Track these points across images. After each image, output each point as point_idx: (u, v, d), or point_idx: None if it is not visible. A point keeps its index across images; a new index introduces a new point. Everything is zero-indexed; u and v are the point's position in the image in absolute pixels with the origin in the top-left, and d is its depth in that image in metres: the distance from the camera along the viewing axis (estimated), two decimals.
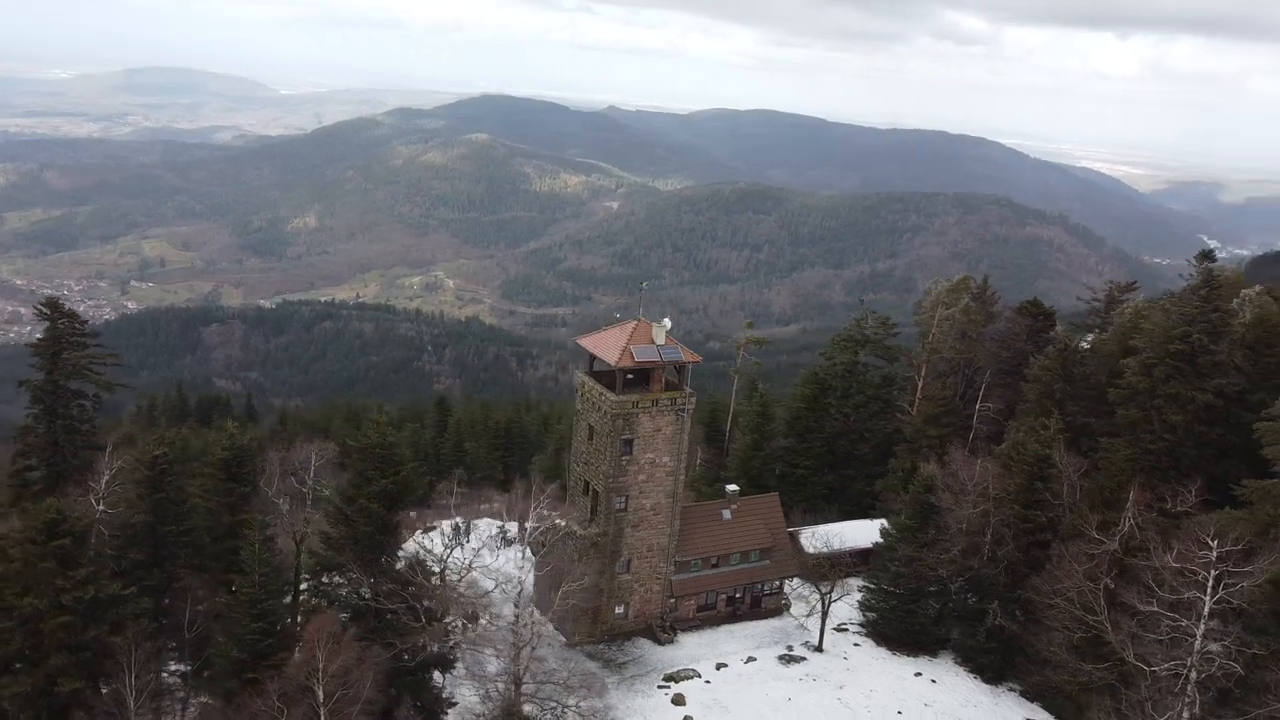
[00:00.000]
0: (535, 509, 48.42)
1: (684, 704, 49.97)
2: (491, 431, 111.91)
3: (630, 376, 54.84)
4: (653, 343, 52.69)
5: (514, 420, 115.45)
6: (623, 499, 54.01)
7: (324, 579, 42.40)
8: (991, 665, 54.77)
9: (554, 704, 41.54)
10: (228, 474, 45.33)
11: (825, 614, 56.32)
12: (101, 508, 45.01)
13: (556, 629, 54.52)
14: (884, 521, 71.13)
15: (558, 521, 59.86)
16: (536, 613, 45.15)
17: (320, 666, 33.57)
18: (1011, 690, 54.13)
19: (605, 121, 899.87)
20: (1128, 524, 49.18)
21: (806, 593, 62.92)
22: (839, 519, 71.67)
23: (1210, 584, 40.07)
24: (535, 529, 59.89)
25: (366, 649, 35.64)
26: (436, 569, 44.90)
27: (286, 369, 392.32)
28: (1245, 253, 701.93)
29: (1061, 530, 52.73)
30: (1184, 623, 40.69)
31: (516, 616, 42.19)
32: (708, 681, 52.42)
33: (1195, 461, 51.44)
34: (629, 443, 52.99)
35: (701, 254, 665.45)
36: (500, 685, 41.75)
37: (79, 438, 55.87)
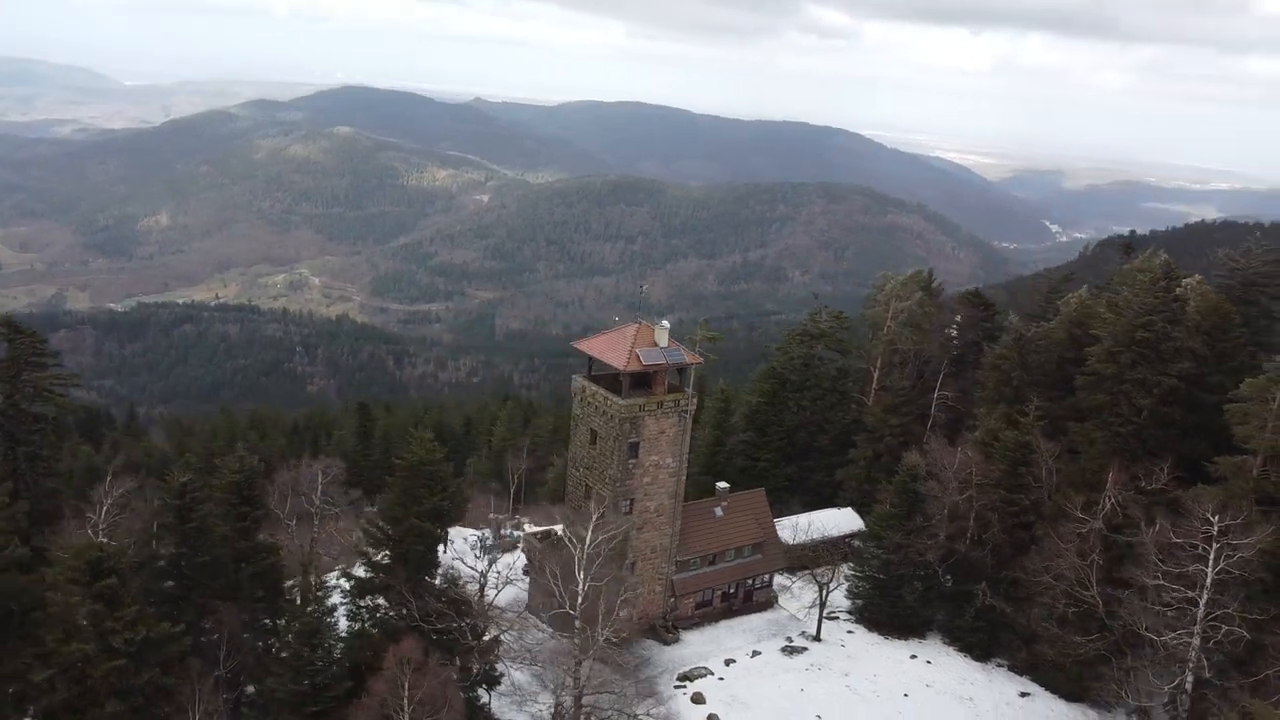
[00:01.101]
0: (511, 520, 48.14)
1: (704, 702, 50.56)
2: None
3: (627, 380, 55.06)
4: (655, 345, 52.90)
5: (444, 424, 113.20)
6: (628, 502, 54.09)
7: (361, 601, 41.02)
8: (980, 643, 57.45)
9: (616, 713, 41.34)
10: (240, 497, 43.24)
11: (823, 603, 57.88)
12: (103, 540, 42.38)
13: (564, 635, 54.18)
14: (849, 509, 74.02)
15: (555, 529, 59.76)
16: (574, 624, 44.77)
17: (405, 695, 32.61)
18: (1000, 665, 56.92)
19: (472, 114, 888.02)
20: (1109, 503, 52.57)
21: (789, 583, 64.63)
22: (801, 509, 73.51)
23: (1212, 556, 43.34)
24: (535, 535, 59.73)
25: (450, 674, 34.75)
26: (471, 584, 44.07)
27: (145, 375, 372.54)
28: (1083, 236, 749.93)
29: (1044, 512, 55.78)
30: (1189, 593, 43.88)
31: (578, 627, 41.76)
32: (721, 678, 53.16)
33: (1162, 441, 55.15)
34: (634, 446, 53.10)
35: (575, 246, 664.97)
36: (556, 700, 41.27)
37: (41, 465, 52.05)
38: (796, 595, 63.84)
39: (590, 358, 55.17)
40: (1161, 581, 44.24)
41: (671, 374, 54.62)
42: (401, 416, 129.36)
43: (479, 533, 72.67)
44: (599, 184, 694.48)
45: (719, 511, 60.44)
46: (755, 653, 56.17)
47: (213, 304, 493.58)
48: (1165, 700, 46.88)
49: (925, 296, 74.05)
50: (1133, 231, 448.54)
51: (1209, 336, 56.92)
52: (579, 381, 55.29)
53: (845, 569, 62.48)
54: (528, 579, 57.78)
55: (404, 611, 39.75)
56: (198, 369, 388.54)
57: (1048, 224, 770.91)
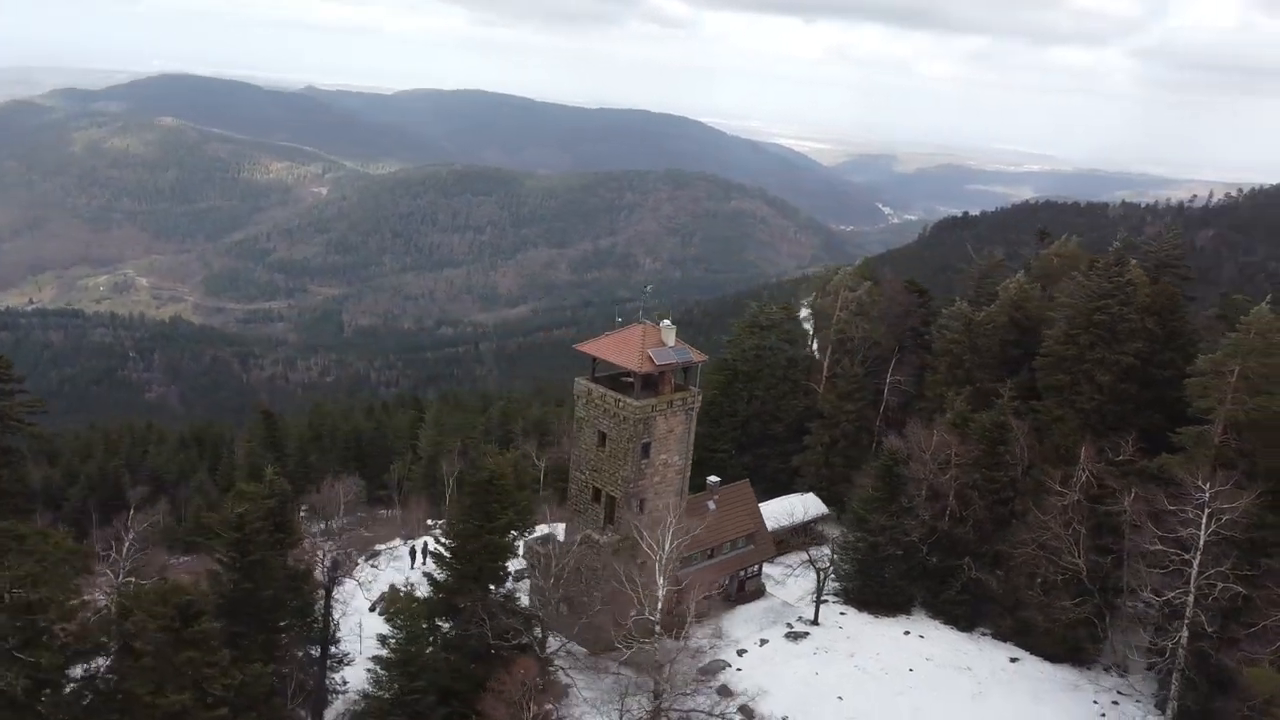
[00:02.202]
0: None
1: (731, 695, 51.46)
2: (342, 443, 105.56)
3: (629, 380, 55.20)
4: (664, 345, 53.22)
5: (364, 429, 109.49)
6: (639, 502, 54.27)
7: (425, 624, 39.74)
8: (965, 615, 60.73)
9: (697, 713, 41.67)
10: (275, 524, 41.08)
11: (821, 589, 59.81)
12: (124, 579, 39.64)
13: (579, 641, 53.96)
14: (811, 495, 76.46)
15: (550, 532, 59.28)
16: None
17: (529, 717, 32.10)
18: (985, 634, 60.35)
19: (305, 103, 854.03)
20: (1084, 475, 56.56)
21: (771, 571, 66.44)
22: (761, 497, 75.46)
23: (1204, 520, 47.43)
24: (533, 541, 58.96)
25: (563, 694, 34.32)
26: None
27: None
28: (913, 217, 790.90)
29: (1020, 488, 59.44)
30: (1185, 555, 47.87)
31: (658, 633, 41.78)
32: (739, 669, 54.25)
33: (1122, 416, 59.66)
34: (646, 446, 53.30)
35: (422, 239, 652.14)
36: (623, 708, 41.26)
37: (9, 501, 47.74)
38: (780, 581, 65.74)
39: (594, 359, 54.97)
40: (1160, 546, 48.01)
41: (681, 373, 55.12)
42: (298, 424, 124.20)
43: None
44: (444, 174, 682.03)
45: (712, 505, 61.40)
46: (763, 641, 57.54)
47: (29, 309, 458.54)
48: (1149, 653, 50.92)
49: (874, 286, 77.09)
50: (965, 213, 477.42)
51: (1159, 317, 61.80)
52: (583, 384, 54.92)
53: (827, 552, 64.68)
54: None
55: (473, 630, 38.86)
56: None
57: (880, 206, 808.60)
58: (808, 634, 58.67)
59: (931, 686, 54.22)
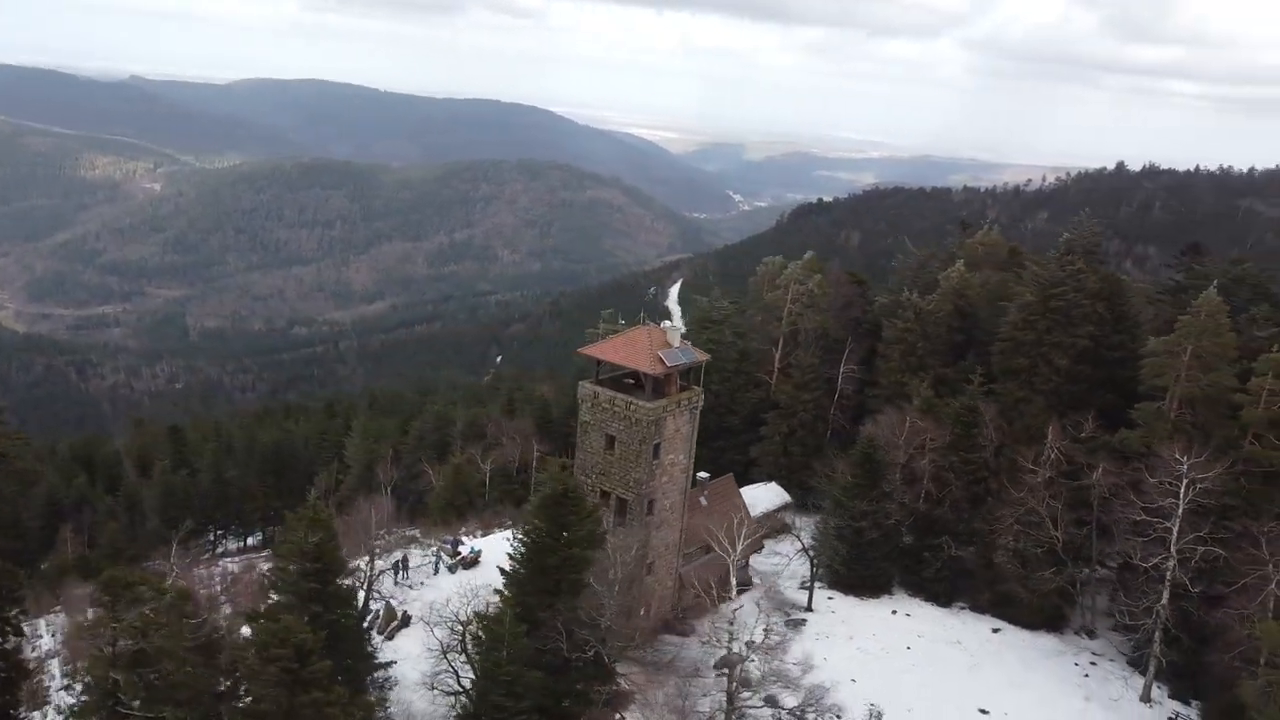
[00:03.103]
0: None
1: (748, 686, 52.52)
2: (260, 456, 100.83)
3: (631, 381, 55.42)
4: (670, 346, 53.57)
5: (283, 440, 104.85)
6: (648, 503, 54.51)
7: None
8: (944, 591, 63.77)
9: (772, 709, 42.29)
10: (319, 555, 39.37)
11: (814, 576, 61.58)
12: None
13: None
14: (774, 484, 78.32)
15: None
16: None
17: None
18: (963, 608, 63.57)
19: (131, 93, 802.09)
20: (1053, 453, 60.30)
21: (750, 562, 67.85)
22: None
23: (1182, 490, 51.48)
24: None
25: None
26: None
27: None
28: (763, 204, 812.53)
29: (993, 467, 62.80)
30: (1165, 523, 51.84)
31: (730, 645, 42.17)
32: (752, 659, 55.29)
33: (1079, 396, 63.84)
34: (657, 447, 53.58)
35: (269, 235, 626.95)
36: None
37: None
38: (755, 569, 67.27)
39: (598, 362, 54.87)
40: (1145, 517, 51.84)
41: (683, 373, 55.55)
42: (197, 437, 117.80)
43: (428, 551, 69.35)
44: (289, 167, 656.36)
45: (704, 501, 62.21)
46: (767, 630, 58.70)
47: None
48: (1131, 615, 54.88)
49: (823, 279, 79.44)
50: (820, 199, 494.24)
51: (1108, 302, 66.29)
52: (589, 388, 54.64)
53: (805, 538, 66.62)
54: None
55: (552, 644, 38.41)
56: None
57: (731, 194, 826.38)
58: (805, 620, 60.37)
59: (930, 662, 56.81)
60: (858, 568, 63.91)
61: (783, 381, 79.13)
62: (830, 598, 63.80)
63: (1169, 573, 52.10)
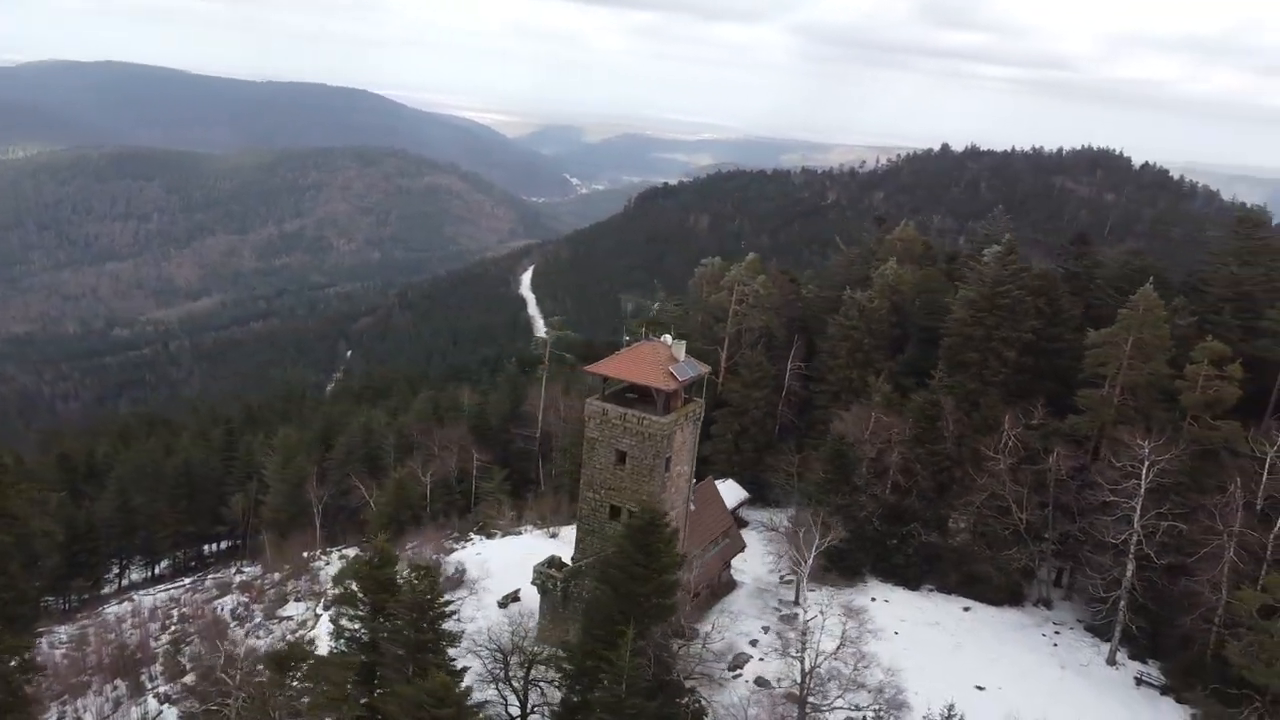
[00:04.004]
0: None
1: (768, 684, 54.45)
2: (171, 480, 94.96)
3: (634, 396, 56.03)
4: (677, 360, 54.47)
5: (193, 461, 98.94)
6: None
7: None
8: (914, 575, 67.54)
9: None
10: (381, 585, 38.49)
11: (805, 572, 63.91)
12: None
13: None
14: (731, 481, 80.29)
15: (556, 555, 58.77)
16: None
17: None
18: (931, 590, 67.51)
19: None
20: (1010, 441, 64.84)
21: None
22: None
23: (1144, 471, 56.58)
24: (541, 565, 58.43)
25: None
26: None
27: None
28: (601, 187, 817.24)
29: (958, 457, 66.85)
30: (1130, 502, 56.85)
31: (804, 655, 43.47)
32: (761, 658, 57.25)
33: (1026, 386, 68.75)
34: (667, 460, 54.44)
35: (77, 230, 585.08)
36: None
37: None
38: (735, 567, 69.25)
39: (605, 379, 55.21)
40: (1113, 497, 56.71)
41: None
42: (78, 458, 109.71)
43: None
44: (96, 157, 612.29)
45: (693, 505, 63.44)
46: (765, 628, 60.88)
47: None
48: (1100, 587, 59.89)
49: (766, 279, 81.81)
50: (665, 183, 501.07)
51: (1046, 298, 71.42)
52: (597, 405, 54.83)
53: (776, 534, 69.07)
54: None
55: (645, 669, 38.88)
56: None
57: (569, 178, 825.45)
58: (796, 614, 62.71)
59: (918, 645, 60.14)
60: (832, 560, 66.72)
61: (730, 380, 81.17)
62: (811, 589, 66.38)
63: (1133, 547, 57.29)
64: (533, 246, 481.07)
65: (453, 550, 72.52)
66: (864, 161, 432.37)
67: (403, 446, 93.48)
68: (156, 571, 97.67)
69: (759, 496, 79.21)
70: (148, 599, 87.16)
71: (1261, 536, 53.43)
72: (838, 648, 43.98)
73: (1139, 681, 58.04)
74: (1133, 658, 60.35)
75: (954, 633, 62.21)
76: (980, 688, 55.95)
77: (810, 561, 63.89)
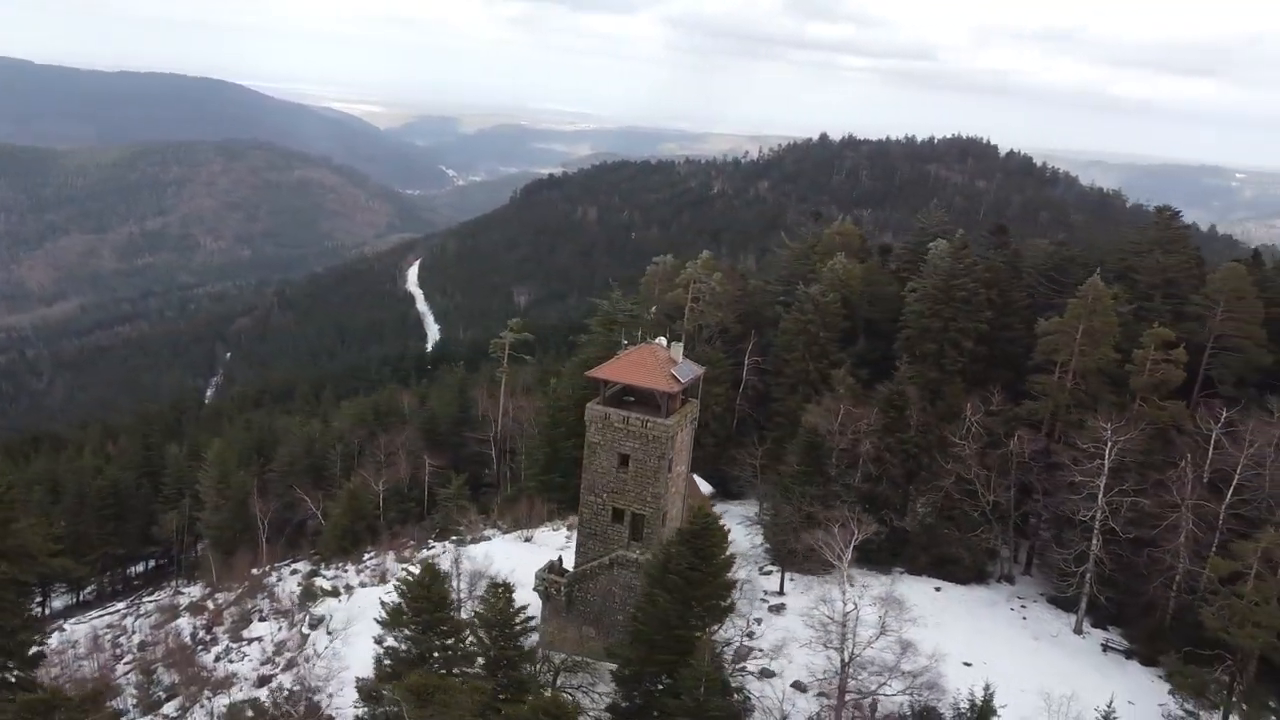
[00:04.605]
0: None
1: (774, 675, 55.91)
2: (98, 499, 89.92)
3: (631, 399, 56.50)
4: (675, 363, 55.15)
5: (120, 480, 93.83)
6: (662, 515, 56.02)
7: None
8: (884, 559, 70.13)
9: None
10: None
11: (845, 566, 65.51)
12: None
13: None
14: (695, 475, 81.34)
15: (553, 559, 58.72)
16: None
17: None
18: (901, 573, 70.10)
19: None
20: (973, 427, 68.09)
21: None
22: None
23: (1108, 451, 60.36)
24: (542, 570, 58.45)
25: None
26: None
27: None
28: (478, 178, 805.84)
29: (924, 444, 69.67)
30: (1095, 480, 60.58)
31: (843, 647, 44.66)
32: (762, 650, 58.61)
33: (982, 374, 72.19)
34: (670, 462, 55.13)
35: None
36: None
37: None
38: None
39: (603, 383, 55.49)
40: (1079, 478, 60.34)
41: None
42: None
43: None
44: None
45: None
46: (758, 620, 62.30)
47: None
48: (1069, 561, 63.51)
49: (722, 276, 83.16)
50: (552, 174, 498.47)
51: (998, 289, 75.01)
52: (599, 409, 55.04)
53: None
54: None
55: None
56: None
57: (445, 169, 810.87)
58: (784, 605, 64.51)
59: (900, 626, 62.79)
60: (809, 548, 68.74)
61: None
62: (792, 579, 68.34)
63: (1098, 522, 61.11)
64: (416, 241, 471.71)
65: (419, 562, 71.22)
66: (747, 152, 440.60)
67: (348, 455, 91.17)
68: (81, 597, 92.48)
69: (722, 490, 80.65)
70: (81, 627, 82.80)
71: (1215, 506, 58.01)
72: (877, 635, 45.36)
73: (1105, 648, 62.10)
74: (1095, 625, 64.40)
75: (931, 612, 64.84)
76: (968, 664, 58.76)
77: (849, 556, 65.78)
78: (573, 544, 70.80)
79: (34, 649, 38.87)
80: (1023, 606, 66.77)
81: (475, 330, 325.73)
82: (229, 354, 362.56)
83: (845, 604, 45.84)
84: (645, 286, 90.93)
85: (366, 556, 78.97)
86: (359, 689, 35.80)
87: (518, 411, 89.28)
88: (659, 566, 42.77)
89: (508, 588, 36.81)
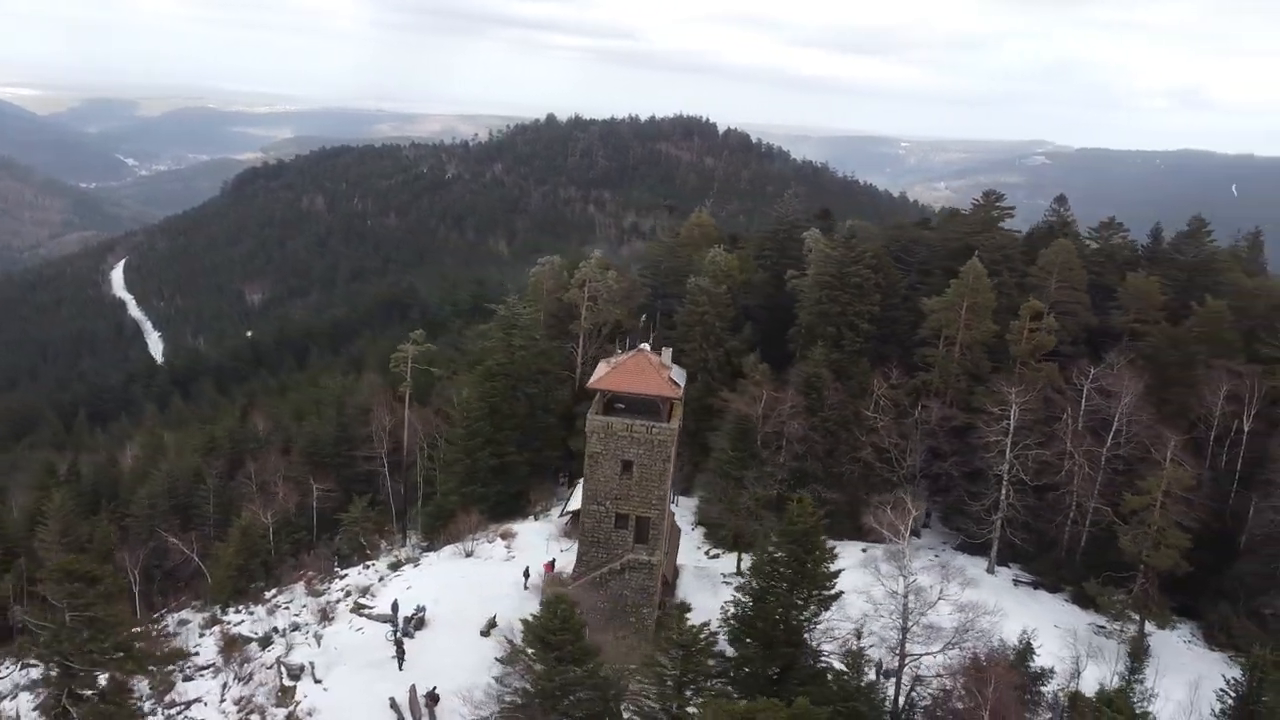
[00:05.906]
0: None
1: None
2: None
3: (622, 406, 57.34)
4: (667, 367, 56.58)
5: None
6: (664, 515, 57.41)
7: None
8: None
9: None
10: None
11: (906, 545, 68.73)
12: None
13: None
14: None
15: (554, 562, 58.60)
16: None
17: None
18: (833, 543, 75.73)
19: None
20: (882, 400, 74.72)
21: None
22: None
23: (1012, 412, 68.72)
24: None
25: None
26: None
27: None
28: (164, 167, 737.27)
29: (841, 420, 75.33)
30: (1002, 439, 68.83)
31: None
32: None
33: (879, 351, 79.00)
34: (671, 464, 56.62)
35: None
36: None
37: None
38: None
39: (600, 393, 55.88)
40: (992, 438, 68.34)
41: None
42: None
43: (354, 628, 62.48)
44: None
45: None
46: (734, 602, 65.21)
47: None
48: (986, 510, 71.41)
49: (616, 275, 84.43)
50: (266, 163, 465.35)
51: (883, 274, 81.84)
52: (601, 419, 55.38)
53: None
54: None
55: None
56: None
57: (123, 158, 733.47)
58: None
59: (850, 589, 68.29)
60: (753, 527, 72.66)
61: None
62: (742, 559, 71.91)
63: (1007, 475, 69.58)
64: (115, 240, 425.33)
65: (371, 591, 67.89)
66: (476, 134, 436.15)
67: (220, 491, 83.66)
68: None
69: None
70: None
71: (1097, 449, 68.07)
72: (935, 603, 49.72)
73: (1016, 582, 71.08)
74: (1000, 564, 73.31)
75: (874, 574, 70.97)
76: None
77: (908, 534, 69.28)
78: (513, 556, 70.84)
79: None
80: (937, 556, 74.29)
81: (207, 334, 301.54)
82: None
83: (907, 577, 49.59)
84: (533, 288, 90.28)
85: (270, 594, 73.82)
86: None
87: (427, 427, 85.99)
88: (764, 566, 44.93)
89: (684, 607, 37.29)
